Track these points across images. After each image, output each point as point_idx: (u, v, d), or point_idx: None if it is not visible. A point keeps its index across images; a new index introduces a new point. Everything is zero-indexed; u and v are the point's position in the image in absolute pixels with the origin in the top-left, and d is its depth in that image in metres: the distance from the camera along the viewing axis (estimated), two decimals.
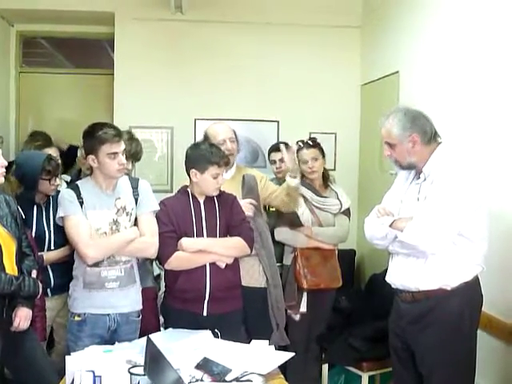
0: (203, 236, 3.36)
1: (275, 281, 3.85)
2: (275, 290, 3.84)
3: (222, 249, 3.35)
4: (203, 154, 3.34)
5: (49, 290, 3.58)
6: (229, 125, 3.92)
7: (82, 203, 3.17)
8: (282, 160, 4.48)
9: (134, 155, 3.85)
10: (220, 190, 3.46)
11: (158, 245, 3.27)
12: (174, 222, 3.33)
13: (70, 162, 4.91)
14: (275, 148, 4.58)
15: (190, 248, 3.30)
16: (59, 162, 3.75)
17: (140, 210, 3.28)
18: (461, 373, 2.86)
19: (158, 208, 3.34)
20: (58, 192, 3.47)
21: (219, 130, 3.83)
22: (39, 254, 3.47)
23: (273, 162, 4.58)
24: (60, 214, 3.20)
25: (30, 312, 3.03)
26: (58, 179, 3.63)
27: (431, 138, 2.90)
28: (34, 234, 3.52)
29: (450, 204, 2.74)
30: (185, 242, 3.31)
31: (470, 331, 2.87)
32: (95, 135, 3.13)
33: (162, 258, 3.31)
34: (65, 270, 3.38)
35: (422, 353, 2.90)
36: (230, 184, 3.70)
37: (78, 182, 3.32)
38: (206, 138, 3.80)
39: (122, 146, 3.18)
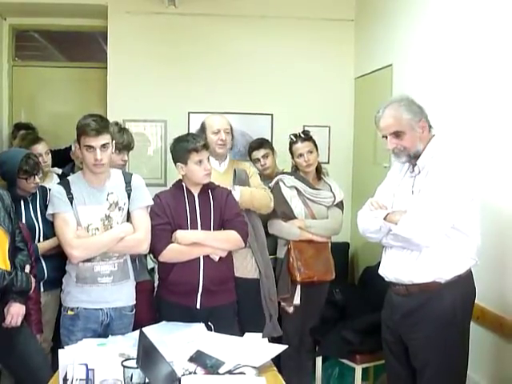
0: (197, 229, 3.37)
1: (267, 272, 3.88)
2: (267, 282, 3.86)
3: (217, 242, 3.37)
4: (181, 146, 3.39)
5: (42, 284, 3.58)
6: (227, 118, 3.98)
7: (71, 199, 3.15)
8: (264, 156, 4.49)
9: (126, 146, 3.83)
10: (214, 184, 3.48)
11: (152, 237, 3.27)
12: (169, 214, 3.35)
13: (67, 158, 4.90)
14: (256, 146, 4.57)
15: (185, 240, 3.31)
16: (38, 160, 3.67)
17: (133, 206, 3.26)
18: (454, 365, 2.86)
19: (151, 203, 3.34)
20: (44, 187, 3.49)
21: (216, 120, 3.89)
22: (34, 244, 3.50)
23: (256, 161, 4.53)
24: (49, 211, 3.20)
25: (23, 308, 3.03)
26: (37, 177, 3.58)
27: (431, 126, 2.91)
28: None
29: (443, 197, 2.74)
30: (179, 234, 3.32)
31: (463, 324, 2.88)
32: (78, 125, 3.13)
33: (155, 250, 3.32)
34: (58, 264, 3.38)
35: (416, 346, 2.90)
36: (222, 177, 3.74)
37: (69, 178, 3.32)
38: (203, 127, 3.88)
39: (101, 141, 3.08)
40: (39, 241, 3.60)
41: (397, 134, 2.87)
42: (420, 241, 2.77)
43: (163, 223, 3.33)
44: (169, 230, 3.34)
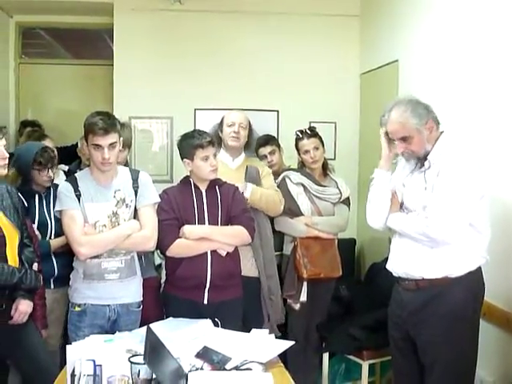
0: (204, 225, 3.38)
1: (270, 271, 3.89)
2: (269, 281, 3.87)
3: (224, 237, 3.37)
4: (187, 142, 3.40)
5: (52, 281, 3.60)
6: (245, 115, 4.00)
7: (79, 196, 3.16)
8: (271, 153, 4.48)
9: (125, 142, 3.80)
10: (221, 180, 3.49)
11: (160, 232, 3.28)
12: (176, 210, 3.36)
13: (73, 155, 4.92)
14: (262, 143, 4.53)
15: (192, 235, 3.32)
16: (55, 153, 3.74)
17: (140, 203, 3.26)
18: (464, 361, 2.85)
19: (158, 200, 3.35)
20: (57, 185, 3.50)
21: (233, 114, 3.95)
22: (45, 240, 3.55)
23: (263, 158, 4.48)
24: (57, 207, 3.21)
25: (31, 305, 3.05)
26: (50, 171, 3.62)
27: (439, 123, 2.90)
28: (36, 223, 3.56)
29: (462, 195, 2.73)
30: (187, 229, 3.33)
31: (473, 319, 2.87)
32: (85, 123, 3.13)
33: (163, 245, 3.33)
34: (69, 261, 3.37)
35: (425, 342, 2.90)
36: (234, 174, 3.77)
37: (77, 175, 3.32)
38: (221, 120, 3.94)
39: (109, 140, 3.08)
40: (51, 237, 3.62)
41: (404, 139, 2.87)
42: (448, 240, 2.77)
43: (170, 218, 3.34)
44: (176, 225, 3.35)
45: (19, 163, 3.57)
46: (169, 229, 3.32)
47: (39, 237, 3.54)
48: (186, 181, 3.49)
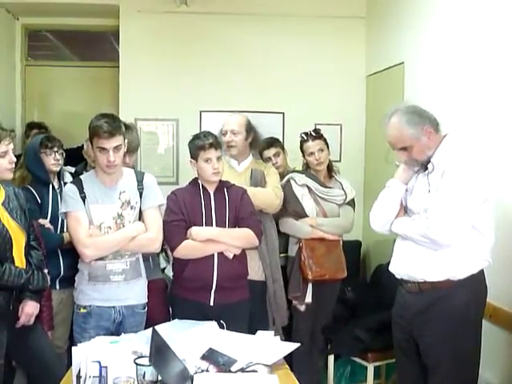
0: (212, 227, 3.38)
1: (275, 275, 3.89)
2: (274, 285, 3.87)
3: (231, 239, 3.38)
4: (193, 143, 3.43)
5: (57, 281, 3.61)
6: (241, 118, 3.98)
7: (84, 198, 3.17)
8: (276, 155, 4.47)
9: (132, 146, 3.79)
10: (230, 183, 3.51)
11: (167, 233, 3.30)
12: (184, 211, 3.37)
13: (79, 156, 4.94)
14: (266, 145, 4.50)
15: (199, 237, 3.33)
16: (60, 140, 3.80)
17: (145, 205, 3.27)
18: (466, 363, 2.85)
19: (163, 202, 3.36)
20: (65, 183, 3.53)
21: (225, 121, 3.94)
22: (59, 234, 3.59)
23: (267, 160, 4.43)
24: (62, 209, 3.23)
25: (38, 306, 3.06)
26: (57, 154, 3.68)
27: (438, 124, 2.88)
28: (49, 217, 3.59)
29: (464, 197, 2.72)
30: (194, 230, 3.34)
31: (476, 321, 2.87)
32: (90, 125, 3.13)
33: (170, 246, 3.36)
34: (75, 262, 3.37)
35: (428, 344, 2.89)
36: (239, 177, 3.78)
37: (82, 176, 3.33)
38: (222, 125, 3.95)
39: (114, 143, 3.07)
40: (62, 231, 3.63)
41: (404, 149, 2.88)
42: (448, 242, 2.76)
43: (178, 220, 3.36)
44: (184, 226, 3.36)
45: (28, 155, 3.64)
46: (176, 230, 3.34)
47: (52, 230, 3.56)
48: (194, 182, 3.50)
